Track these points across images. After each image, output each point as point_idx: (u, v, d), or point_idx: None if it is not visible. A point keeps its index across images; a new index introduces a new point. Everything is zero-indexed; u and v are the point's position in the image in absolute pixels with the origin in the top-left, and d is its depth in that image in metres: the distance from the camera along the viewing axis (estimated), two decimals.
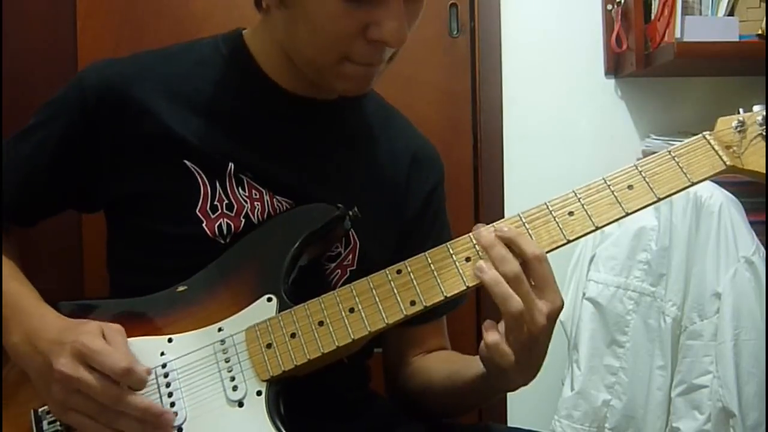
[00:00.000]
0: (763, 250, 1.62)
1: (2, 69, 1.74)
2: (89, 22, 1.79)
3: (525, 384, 0.89)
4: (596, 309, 1.73)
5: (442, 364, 1.06)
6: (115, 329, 0.86)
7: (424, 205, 1.09)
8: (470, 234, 0.88)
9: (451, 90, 1.92)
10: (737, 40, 1.75)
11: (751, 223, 1.63)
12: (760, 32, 1.76)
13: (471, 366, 0.96)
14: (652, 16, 1.84)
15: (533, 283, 0.83)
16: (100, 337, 0.83)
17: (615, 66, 1.96)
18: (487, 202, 1.92)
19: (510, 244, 0.84)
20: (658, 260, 1.67)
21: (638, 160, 0.86)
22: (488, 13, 1.92)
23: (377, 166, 1.06)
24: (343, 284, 0.94)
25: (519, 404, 1.92)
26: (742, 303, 1.58)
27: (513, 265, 0.83)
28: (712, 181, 1.61)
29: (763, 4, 1.77)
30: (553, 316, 0.83)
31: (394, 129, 1.10)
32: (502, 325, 0.84)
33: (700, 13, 1.79)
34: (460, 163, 1.91)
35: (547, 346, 0.86)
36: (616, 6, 1.91)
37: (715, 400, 1.58)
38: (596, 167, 1.96)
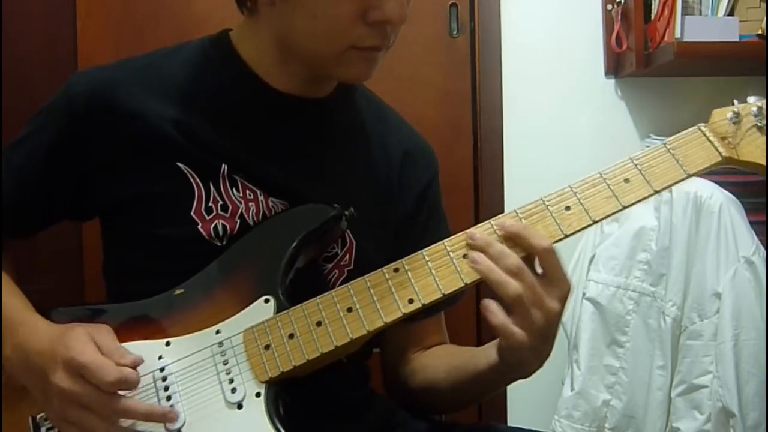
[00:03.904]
0: (763, 250, 1.62)
1: (2, 69, 1.75)
2: (89, 22, 1.79)
3: (539, 367, 0.89)
4: (596, 309, 1.73)
5: (445, 359, 1.05)
6: (103, 331, 0.86)
7: (418, 201, 1.08)
8: (467, 231, 0.88)
9: (451, 90, 1.92)
10: (737, 40, 1.75)
11: (751, 223, 1.63)
12: (760, 32, 1.76)
13: (477, 357, 0.96)
14: (652, 16, 1.84)
15: (541, 272, 0.84)
16: (89, 345, 0.82)
17: (615, 66, 1.96)
18: (487, 202, 1.92)
19: (516, 239, 0.85)
20: (658, 260, 1.67)
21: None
22: (488, 13, 1.92)
23: (370, 164, 1.05)
24: (342, 284, 0.94)
25: (519, 404, 1.92)
26: (742, 303, 1.58)
27: (513, 259, 0.83)
28: (713, 181, 1.62)
29: (763, 4, 1.76)
30: (563, 300, 0.84)
31: (386, 126, 1.10)
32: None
33: (700, 13, 1.79)
34: (460, 163, 1.91)
35: (558, 329, 0.86)
36: (616, 6, 1.91)
37: (715, 400, 1.58)
38: (596, 167, 1.95)
